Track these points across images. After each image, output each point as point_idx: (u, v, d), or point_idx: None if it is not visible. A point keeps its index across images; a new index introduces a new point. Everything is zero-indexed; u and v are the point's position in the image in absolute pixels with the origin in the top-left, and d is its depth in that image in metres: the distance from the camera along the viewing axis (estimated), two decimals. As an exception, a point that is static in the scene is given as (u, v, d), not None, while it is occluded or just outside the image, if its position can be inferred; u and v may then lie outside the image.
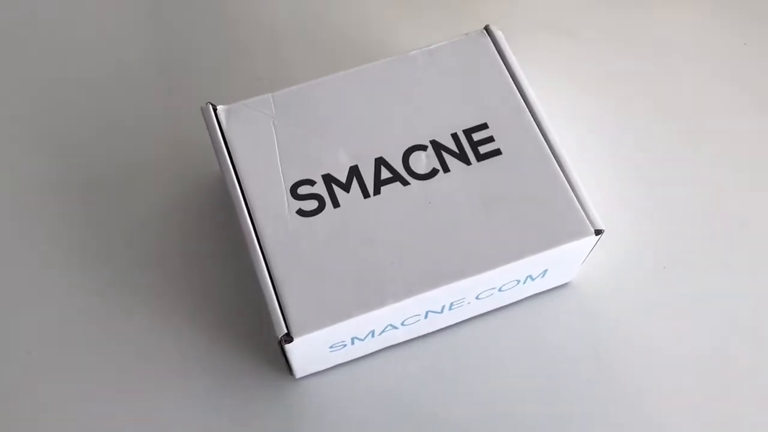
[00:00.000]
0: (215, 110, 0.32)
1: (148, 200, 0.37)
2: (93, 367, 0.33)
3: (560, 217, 0.30)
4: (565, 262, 0.32)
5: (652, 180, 0.38)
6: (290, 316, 0.28)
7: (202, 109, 0.33)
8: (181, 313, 0.34)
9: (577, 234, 0.30)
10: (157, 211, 0.37)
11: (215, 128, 0.32)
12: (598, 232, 0.30)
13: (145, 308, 0.35)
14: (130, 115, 0.39)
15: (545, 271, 0.32)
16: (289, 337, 0.28)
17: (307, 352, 0.30)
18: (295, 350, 0.29)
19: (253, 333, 0.34)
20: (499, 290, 0.32)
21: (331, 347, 0.31)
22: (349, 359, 0.33)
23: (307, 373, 0.33)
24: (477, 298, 0.32)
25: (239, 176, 0.31)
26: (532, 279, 0.32)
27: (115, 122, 0.39)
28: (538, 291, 0.35)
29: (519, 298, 0.35)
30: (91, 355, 0.34)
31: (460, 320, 0.34)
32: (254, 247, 0.30)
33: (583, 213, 0.30)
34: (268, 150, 0.32)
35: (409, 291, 0.29)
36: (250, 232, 0.30)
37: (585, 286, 0.35)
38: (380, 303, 0.29)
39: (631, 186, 0.38)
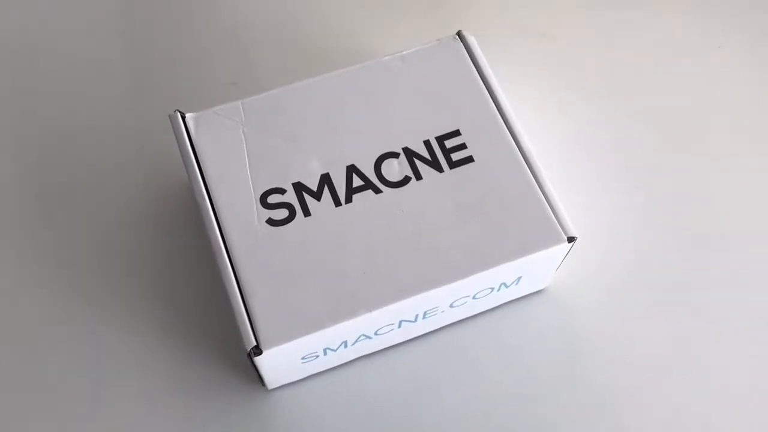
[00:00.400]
0: (183, 118, 0.32)
1: (116, 209, 0.36)
2: (59, 379, 0.33)
3: (533, 224, 0.30)
4: (538, 269, 0.32)
5: (625, 185, 0.38)
6: (259, 327, 0.28)
7: (170, 116, 0.32)
8: (150, 324, 0.34)
9: (550, 241, 0.30)
10: (126, 220, 0.36)
11: (183, 136, 0.32)
12: (570, 239, 0.30)
13: (113, 319, 0.34)
14: (100, 122, 0.39)
15: (519, 278, 0.32)
16: (258, 350, 0.28)
17: (278, 364, 0.30)
18: (264, 362, 0.28)
19: (225, 344, 0.33)
20: (473, 298, 0.32)
21: (302, 358, 0.30)
22: (323, 369, 0.33)
23: (280, 385, 0.33)
24: (451, 306, 0.32)
25: (208, 185, 0.31)
26: (506, 286, 0.32)
27: (84, 130, 0.39)
28: (512, 298, 0.34)
29: (494, 306, 0.34)
30: (57, 367, 0.33)
31: (435, 328, 0.34)
32: (222, 257, 0.29)
33: (555, 220, 0.30)
34: (237, 158, 0.31)
35: (382, 301, 0.29)
36: (218, 241, 0.30)
37: (560, 292, 0.35)
38: (352, 313, 0.28)
39: (605, 191, 0.38)
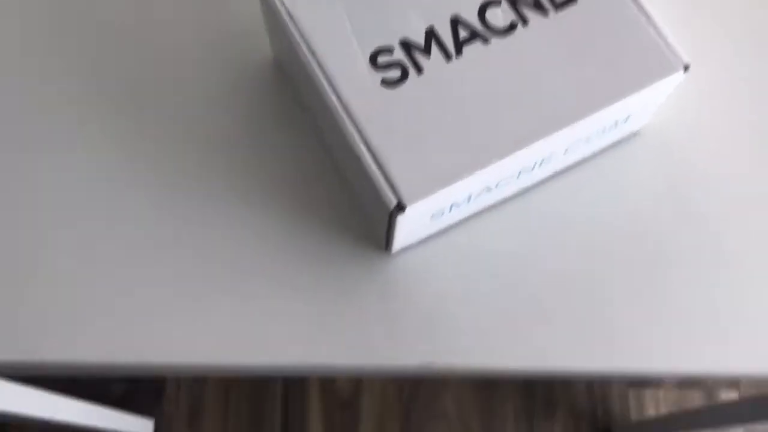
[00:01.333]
0: (273, -12, 0.31)
1: (206, 93, 0.35)
2: (187, 266, 0.33)
3: (646, 57, 0.30)
4: (648, 103, 0.32)
5: (715, 20, 0.37)
6: (399, 186, 0.28)
7: (259, -12, 0.31)
8: (262, 203, 0.34)
9: (666, 71, 0.30)
10: (217, 103, 0.35)
11: (278, 9, 0.30)
12: (686, 67, 0.30)
13: (226, 201, 0.34)
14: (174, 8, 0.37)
15: (628, 116, 0.32)
16: (401, 207, 0.28)
17: (412, 222, 0.30)
18: (404, 220, 0.29)
19: (342, 215, 0.33)
20: (586, 141, 0.32)
21: (431, 216, 0.30)
22: (440, 229, 0.33)
23: (401, 247, 0.33)
24: (564, 153, 0.32)
25: (315, 54, 0.30)
26: (616, 126, 0.32)
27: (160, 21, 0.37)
28: (614, 140, 0.35)
29: (596, 150, 0.35)
30: (184, 252, 0.33)
31: (545, 177, 0.34)
32: (347, 123, 0.29)
33: (667, 50, 0.30)
34: (338, 22, 0.30)
35: (509, 148, 0.29)
36: (338, 110, 0.29)
37: (652, 132, 0.35)
38: (484, 162, 0.28)
39: (687, 30, 0.37)
